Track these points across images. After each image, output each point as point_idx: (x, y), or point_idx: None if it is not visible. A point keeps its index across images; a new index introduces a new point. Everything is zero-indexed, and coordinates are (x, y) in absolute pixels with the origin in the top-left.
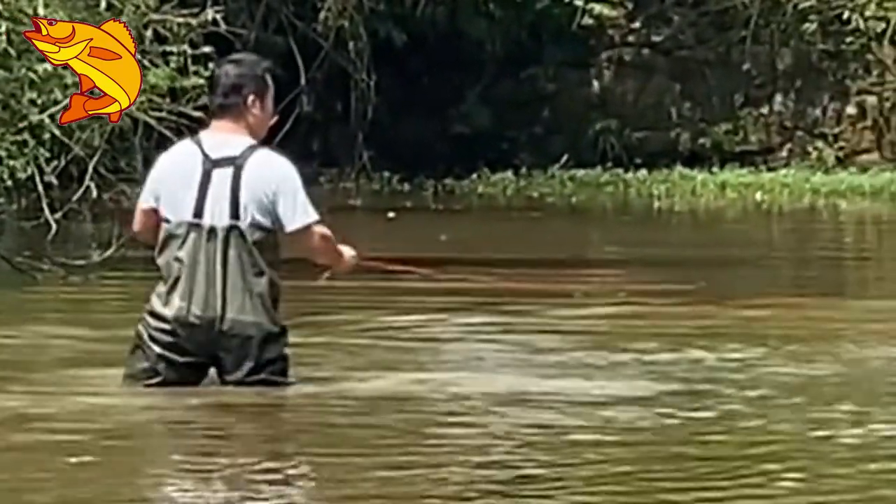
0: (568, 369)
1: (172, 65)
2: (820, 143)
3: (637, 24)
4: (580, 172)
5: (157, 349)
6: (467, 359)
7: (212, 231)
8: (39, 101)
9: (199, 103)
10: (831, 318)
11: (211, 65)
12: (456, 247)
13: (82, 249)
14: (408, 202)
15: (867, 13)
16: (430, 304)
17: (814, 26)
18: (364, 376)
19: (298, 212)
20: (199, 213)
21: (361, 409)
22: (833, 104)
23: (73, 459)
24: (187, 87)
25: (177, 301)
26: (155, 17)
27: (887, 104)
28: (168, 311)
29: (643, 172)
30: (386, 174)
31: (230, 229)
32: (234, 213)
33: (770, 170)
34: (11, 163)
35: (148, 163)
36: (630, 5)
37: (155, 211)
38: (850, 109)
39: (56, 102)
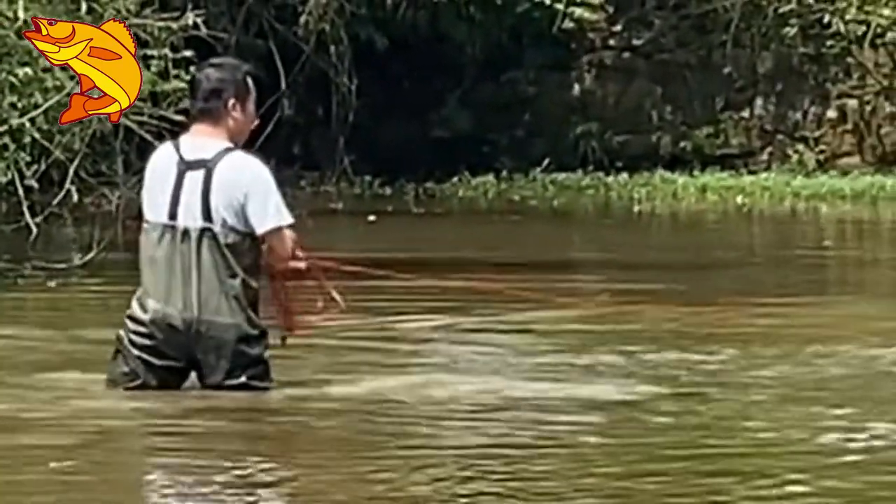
0: (548, 372)
1: (153, 69)
2: (801, 147)
3: (618, 28)
4: (561, 176)
5: (136, 352)
6: (447, 361)
7: (185, 233)
8: (20, 105)
9: (180, 107)
10: (813, 320)
11: (192, 69)
12: (437, 250)
13: (63, 253)
14: (389, 206)
15: (848, 17)
16: (410, 307)
17: (794, 30)
18: (343, 379)
19: (270, 213)
20: (173, 214)
21: (340, 411)
22: (814, 108)
23: (54, 464)
24: (168, 90)
25: (154, 303)
26: (135, 20)
27: (868, 108)
28: (146, 315)
29: (624, 176)
30: (367, 178)
31: (203, 231)
32: (207, 215)
33: (751, 173)
34: None
35: (128, 167)
36: (611, 9)
37: None
38: (831, 113)
39: (37, 106)
